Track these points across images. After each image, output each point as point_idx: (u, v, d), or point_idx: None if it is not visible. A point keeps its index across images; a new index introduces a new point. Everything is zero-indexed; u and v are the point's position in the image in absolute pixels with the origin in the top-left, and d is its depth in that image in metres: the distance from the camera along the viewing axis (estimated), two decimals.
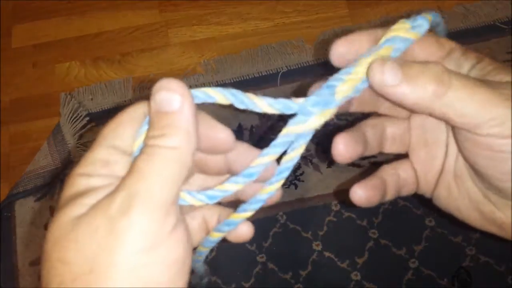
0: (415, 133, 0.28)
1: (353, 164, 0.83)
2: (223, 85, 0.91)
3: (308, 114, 0.23)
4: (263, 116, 0.86)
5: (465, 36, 0.91)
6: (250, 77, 0.91)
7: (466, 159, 0.24)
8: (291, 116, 0.24)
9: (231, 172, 0.26)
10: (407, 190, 0.29)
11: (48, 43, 0.98)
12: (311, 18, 0.97)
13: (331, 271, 0.77)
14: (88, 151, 0.22)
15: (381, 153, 0.29)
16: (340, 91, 0.23)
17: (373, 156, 0.31)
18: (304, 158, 0.84)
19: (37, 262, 0.79)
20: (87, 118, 0.89)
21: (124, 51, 0.96)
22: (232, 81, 0.90)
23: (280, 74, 0.91)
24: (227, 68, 0.93)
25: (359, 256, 0.78)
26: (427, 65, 0.22)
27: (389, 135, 0.28)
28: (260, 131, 0.86)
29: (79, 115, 0.89)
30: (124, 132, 0.22)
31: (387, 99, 0.24)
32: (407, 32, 0.23)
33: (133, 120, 0.23)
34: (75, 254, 0.20)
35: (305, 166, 0.84)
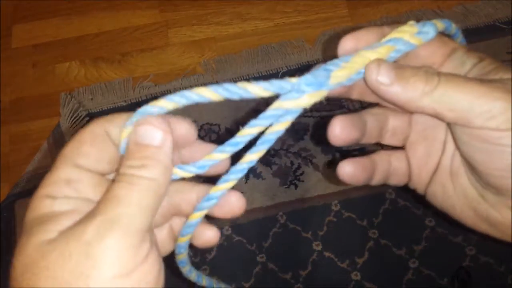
0: (415, 128, 0.28)
1: None
2: None
3: (301, 92, 0.23)
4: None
5: (465, 36, 0.90)
6: (250, 77, 0.91)
7: (463, 154, 0.24)
8: None
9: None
10: (396, 180, 0.29)
11: (48, 43, 0.98)
12: (311, 18, 0.97)
13: (331, 271, 0.77)
14: (50, 170, 0.22)
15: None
16: (335, 76, 0.23)
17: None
18: (304, 158, 0.84)
19: None
20: (87, 118, 0.89)
21: (124, 51, 0.96)
22: (232, 81, 0.90)
23: (280, 74, 0.91)
24: (227, 68, 0.93)
25: (359, 256, 0.78)
26: (420, 68, 0.23)
27: (391, 127, 0.29)
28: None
29: (79, 115, 0.89)
30: (87, 150, 0.23)
31: (381, 98, 0.24)
32: (412, 36, 0.24)
33: (95, 138, 0.23)
34: (46, 281, 0.19)
35: (305, 166, 0.84)
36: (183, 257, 0.28)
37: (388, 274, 0.77)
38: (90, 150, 0.23)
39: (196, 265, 0.77)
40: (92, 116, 0.90)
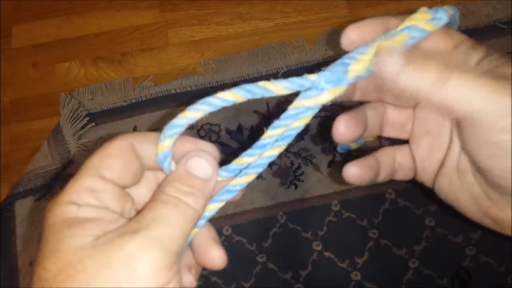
0: (418, 123, 0.28)
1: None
2: (223, 85, 0.91)
3: (320, 90, 0.23)
4: (263, 116, 0.86)
5: None
6: (250, 77, 0.91)
7: (468, 153, 0.24)
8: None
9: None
10: (402, 175, 0.30)
11: (48, 43, 0.98)
12: (311, 18, 0.97)
13: (331, 271, 0.77)
14: (73, 178, 0.23)
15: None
16: (352, 69, 0.23)
17: None
18: (304, 158, 0.84)
19: None
20: (87, 118, 0.89)
21: (124, 51, 0.96)
22: (232, 81, 0.90)
23: (280, 74, 0.91)
24: (227, 68, 0.93)
25: (359, 256, 0.78)
26: (432, 56, 0.23)
27: (390, 119, 0.29)
28: (260, 131, 0.86)
29: (79, 115, 0.89)
30: (113, 163, 0.24)
31: (390, 89, 0.24)
32: (427, 23, 0.24)
33: (121, 152, 0.24)
34: (81, 284, 0.20)
35: (305, 166, 0.84)
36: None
37: (388, 274, 0.77)
38: (115, 162, 0.24)
39: None
40: (92, 116, 0.90)
